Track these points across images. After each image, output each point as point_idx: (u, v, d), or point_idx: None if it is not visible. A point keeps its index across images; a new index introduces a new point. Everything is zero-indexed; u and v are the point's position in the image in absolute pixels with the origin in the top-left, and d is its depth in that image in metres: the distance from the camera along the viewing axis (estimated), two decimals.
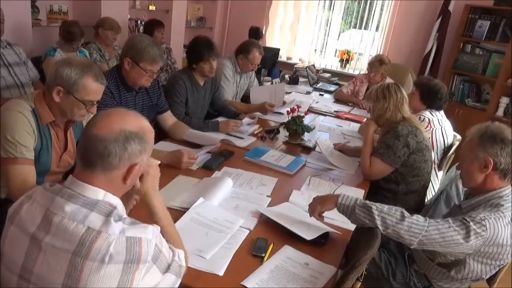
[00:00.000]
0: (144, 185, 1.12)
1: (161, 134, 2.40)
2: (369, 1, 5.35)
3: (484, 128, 1.51)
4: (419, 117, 2.60)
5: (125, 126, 0.98)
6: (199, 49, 2.67)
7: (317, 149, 2.48)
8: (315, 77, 4.83)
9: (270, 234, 1.51)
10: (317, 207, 1.51)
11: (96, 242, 0.89)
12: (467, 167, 1.55)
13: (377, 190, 2.21)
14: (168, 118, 2.47)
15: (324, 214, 1.53)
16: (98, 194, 0.98)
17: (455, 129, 2.88)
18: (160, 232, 1.03)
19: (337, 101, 4.08)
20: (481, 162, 1.48)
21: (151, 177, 1.13)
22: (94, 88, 1.53)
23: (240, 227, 1.54)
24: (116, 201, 1.00)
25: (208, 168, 2.03)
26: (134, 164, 1.00)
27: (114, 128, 0.97)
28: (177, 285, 1.07)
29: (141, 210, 1.22)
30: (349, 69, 5.69)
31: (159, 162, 1.19)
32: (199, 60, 2.67)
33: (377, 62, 3.85)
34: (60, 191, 0.98)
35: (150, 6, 5.03)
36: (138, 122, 1.02)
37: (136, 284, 0.92)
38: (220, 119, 2.90)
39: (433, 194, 2.58)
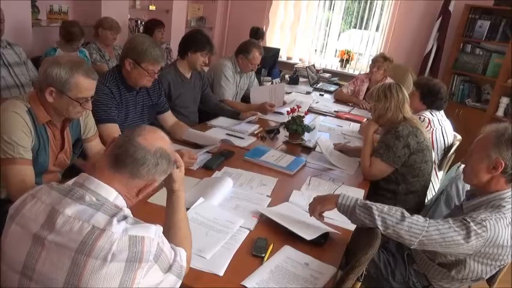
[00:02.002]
0: (181, 173, 1.20)
1: None
2: (369, 1, 5.35)
3: (503, 130, 1.47)
4: (420, 117, 2.60)
5: (164, 145, 1.08)
6: (201, 39, 2.66)
7: (317, 149, 2.48)
8: (315, 77, 4.83)
9: (270, 234, 1.51)
10: (317, 207, 1.51)
11: (99, 240, 0.90)
12: (474, 164, 1.52)
13: (377, 190, 2.21)
14: (168, 118, 2.47)
15: (324, 214, 1.53)
16: (111, 194, 1.01)
17: (455, 129, 2.88)
18: (173, 227, 1.15)
19: (337, 101, 4.08)
20: (491, 162, 1.46)
21: (183, 169, 1.21)
22: (86, 85, 1.52)
23: (240, 227, 1.53)
24: (123, 204, 1.03)
25: (208, 168, 2.03)
26: (154, 180, 1.08)
27: (156, 143, 1.06)
28: (178, 286, 1.07)
29: (142, 209, 1.22)
30: (349, 69, 5.69)
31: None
32: (198, 50, 2.65)
33: (381, 58, 3.89)
34: (69, 191, 0.99)
35: (150, 6, 5.03)
36: (172, 147, 1.13)
37: (138, 283, 0.92)
38: (219, 118, 2.91)
39: (433, 194, 2.58)
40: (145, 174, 1.04)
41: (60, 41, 3.44)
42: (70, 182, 1.05)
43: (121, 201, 1.03)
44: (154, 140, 1.06)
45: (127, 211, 1.02)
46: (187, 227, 1.23)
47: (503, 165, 1.44)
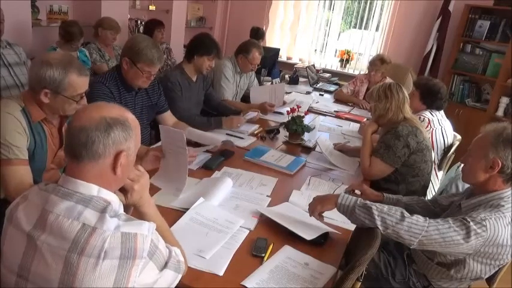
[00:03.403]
0: (129, 200, 1.11)
1: None
2: (369, 1, 5.35)
3: (501, 129, 1.47)
4: (419, 117, 2.60)
5: (105, 114, 0.98)
6: (209, 44, 2.67)
7: (317, 149, 2.48)
8: (315, 77, 4.83)
9: (270, 234, 1.51)
10: (317, 207, 1.51)
11: (91, 238, 0.89)
12: (472, 163, 1.52)
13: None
14: (168, 118, 2.47)
15: (324, 214, 1.53)
16: (92, 189, 0.97)
17: (455, 129, 2.88)
18: None
19: (337, 101, 4.08)
20: (488, 162, 1.46)
21: (137, 193, 1.12)
22: (80, 83, 1.52)
23: (240, 227, 1.54)
24: (110, 196, 1.00)
25: (208, 168, 2.03)
26: (120, 151, 0.99)
27: (94, 116, 0.97)
28: (177, 281, 1.06)
29: None
30: (349, 69, 5.69)
31: (147, 174, 1.16)
32: (205, 54, 2.66)
33: (378, 61, 3.86)
34: (54, 189, 0.98)
35: (150, 6, 5.03)
36: (119, 111, 1.02)
37: (133, 281, 0.92)
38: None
39: (433, 194, 2.58)
40: (103, 150, 0.96)
41: (60, 41, 3.43)
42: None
43: (107, 194, 0.99)
44: (90, 114, 0.98)
45: (116, 205, 1.00)
46: (169, 232, 1.19)
47: (500, 165, 1.44)
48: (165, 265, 1.01)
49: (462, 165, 1.65)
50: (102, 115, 0.98)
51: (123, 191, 1.10)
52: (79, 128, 0.96)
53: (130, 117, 1.05)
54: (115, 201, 1.01)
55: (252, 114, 2.86)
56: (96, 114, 0.98)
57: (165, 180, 1.76)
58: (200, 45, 2.68)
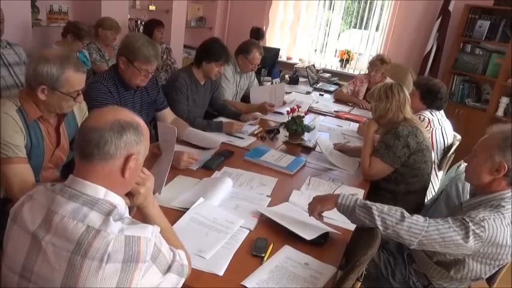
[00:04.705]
0: (134, 202, 1.12)
1: None
2: (369, 1, 5.35)
3: (508, 132, 1.46)
4: (419, 117, 2.60)
5: (119, 116, 1.01)
6: (218, 50, 2.66)
7: (317, 149, 2.48)
8: (315, 77, 4.83)
9: (270, 234, 1.51)
10: (317, 206, 1.51)
11: (94, 241, 0.89)
12: (477, 164, 1.52)
13: (377, 190, 2.21)
14: (168, 115, 2.47)
15: (324, 214, 1.53)
16: (99, 192, 0.98)
17: (455, 129, 2.88)
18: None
19: (337, 101, 4.08)
20: (494, 164, 1.45)
21: (142, 195, 1.13)
22: (77, 79, 1.52)
23: (240, 227, 1.54)
24: (116, 200, 1.00)
25: (208, 168, 2.03)
26: (130, 154, 1.00)
27: (108, 118, 0.99)
28: (180, 284, 1.06)
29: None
30: (349, 69, 5.69)
31: (152, 177, 1.17)
32: (213, 60, 2.66)
33: (378, 61, 3.85)
34: (61, 190, 0.98)
35: (150, 6, 5.03)
36: (132, 115, 1.05)
37: (136, 284, 0.92)
38: (220, 119, 2.90)
39: (433, 194, 2.58)
40: (115, 151, 0.98)
41: (64, 40, 3.42)
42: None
43: (113, 197, 1.00)
44: (104, 116, 1.00)
45: (122, 208, 1.00)
46: (172, 234, 1.19)
47: (506, 168, 1.43)
48: (169, 269, 1.01)
49: (464, 164, 1.65)
50: (116, 118, 1.00)
51: (129, 193, 1.11)
52: (93, 128, 0.97)
53: (142, 123, 1.07)
54: (121, 204, 1.01)
55: (252, 122, 2.86)
56: (111, 116, 1.00)
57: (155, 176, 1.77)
58: (209, 51, 2.67)
